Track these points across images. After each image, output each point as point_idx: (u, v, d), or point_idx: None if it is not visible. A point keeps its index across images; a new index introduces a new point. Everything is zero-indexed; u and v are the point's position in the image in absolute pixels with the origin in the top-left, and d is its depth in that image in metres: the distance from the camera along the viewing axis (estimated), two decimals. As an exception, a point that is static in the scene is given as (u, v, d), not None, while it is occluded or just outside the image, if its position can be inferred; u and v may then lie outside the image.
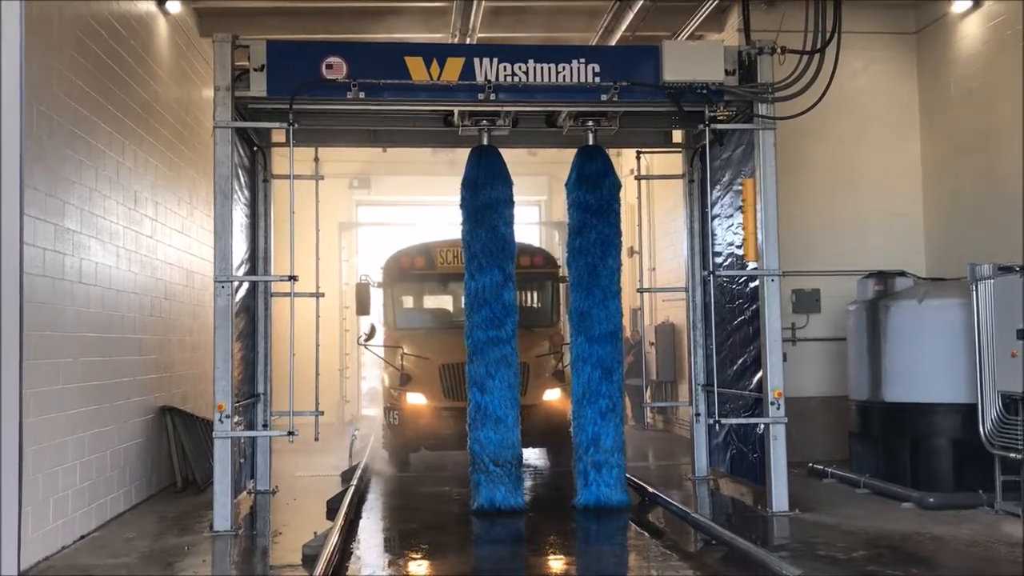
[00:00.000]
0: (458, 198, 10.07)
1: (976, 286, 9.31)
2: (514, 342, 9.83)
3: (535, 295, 13.56)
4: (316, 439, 9.79)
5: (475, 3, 11.56)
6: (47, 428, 7.69)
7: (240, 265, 9.84)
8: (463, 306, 10.07)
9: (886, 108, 13.35)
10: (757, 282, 9.70)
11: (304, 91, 9.12)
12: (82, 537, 8.38)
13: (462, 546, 8.78)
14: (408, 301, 13.87)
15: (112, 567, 7.49)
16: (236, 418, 9.21)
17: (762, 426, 9.54)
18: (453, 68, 9.32)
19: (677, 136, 11.92)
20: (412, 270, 13.43)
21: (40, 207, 7.61)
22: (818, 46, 9.44)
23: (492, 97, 9.43)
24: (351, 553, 7.97)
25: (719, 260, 10.72)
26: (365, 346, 13.06)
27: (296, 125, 9.19)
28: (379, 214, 22.02)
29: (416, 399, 12.01)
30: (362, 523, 9.35)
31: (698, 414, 11.37)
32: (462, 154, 10.55)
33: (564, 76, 9.45)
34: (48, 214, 7.78)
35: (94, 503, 8.75)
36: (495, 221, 9.92)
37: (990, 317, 9.16)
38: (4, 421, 2.30)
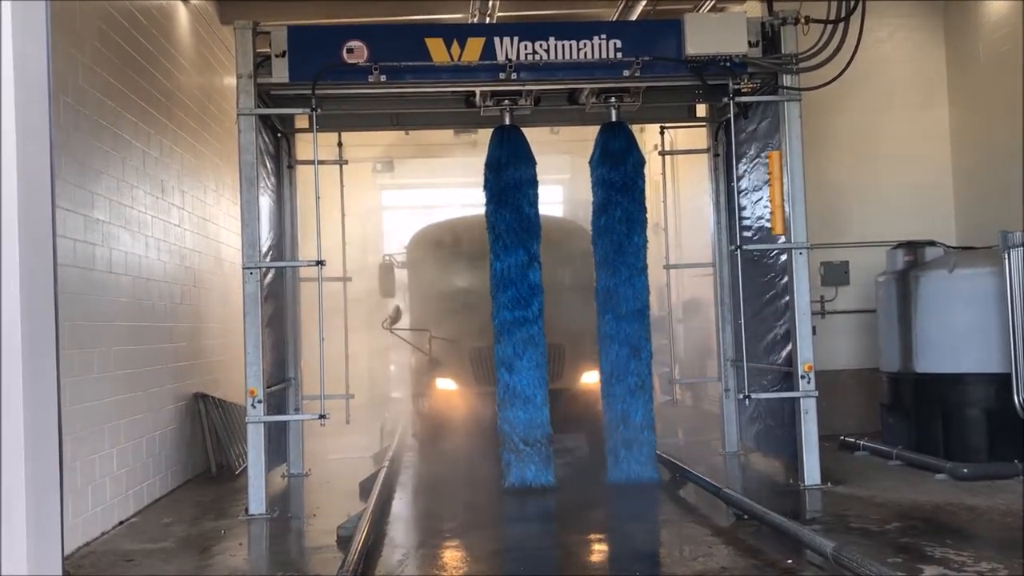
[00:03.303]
0: (481, 179, 10.05)
1: (1008, 254, 9.19)
2: (541, 322, 9.79)
3: (569, 273, 12.45)
4: (347, 422, 9.89)
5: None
6: (83, 416, 7.80)
7: (268, 251, 9.91)
8: (489, 287, 9.96)
9: (913, 76, 13.15)
10: (785, 256, 9.64)
11: (325, 76, 9.12)
12: (120, 523, 8.53)
13: (494, 524, 8.83)
14: (435, 281, 13.01)
15: (151, 552, 7.62)
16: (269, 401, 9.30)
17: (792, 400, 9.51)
18: (474, 48, 9.29)
19: (701, 110, 11.82)
20: (439, 248, 12.87)
21: (70, 198, 7.68)
22: (842, 15, 9.32)
23: (513, 76, 9.40)
24: (385, 533, 8.06)
25: (747, 234, 10.64)
26: (390, 330, 12.72)
27: (319, 110, 9.21)
28: (403, 197, 22.02)
29: (445, 384, 11.73)
30: (395, 504, 9.43)
31: (727, 389, 11.36)
32: (485, 135, 10.53)
33: (586, 53, 9.39)
34: (77, 205, 7.86)
35: (131, 489, 8.89)
36: (519, 201, 9.88)
37: (1023, 285, 9.05)
38: (43, 412, 2.34)
